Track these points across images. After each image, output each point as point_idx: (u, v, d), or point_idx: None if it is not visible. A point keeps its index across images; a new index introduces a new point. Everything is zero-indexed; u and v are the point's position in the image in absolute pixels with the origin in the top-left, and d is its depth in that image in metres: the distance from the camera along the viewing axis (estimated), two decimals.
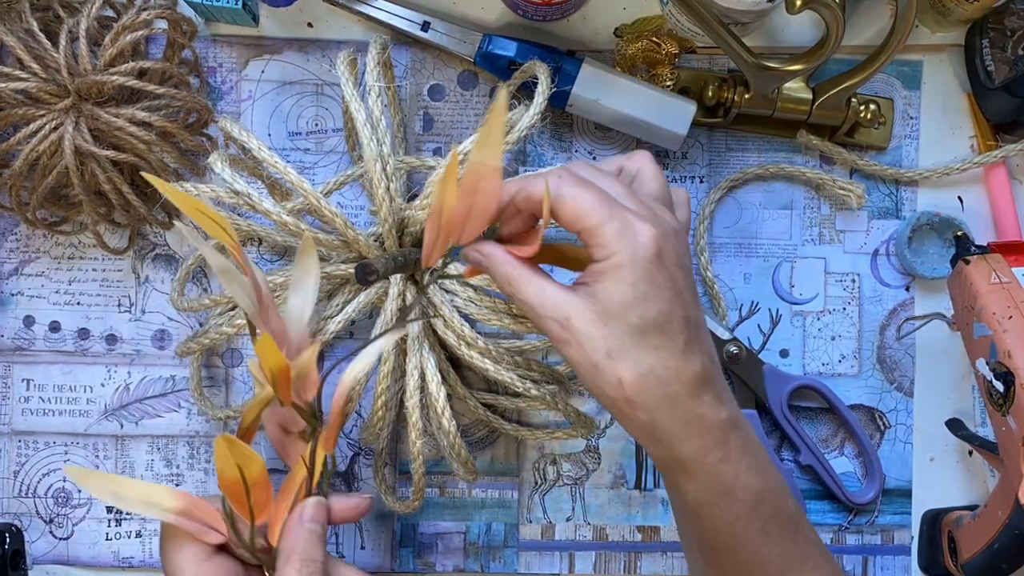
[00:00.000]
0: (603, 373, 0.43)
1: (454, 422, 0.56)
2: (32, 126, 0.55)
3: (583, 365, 0.43)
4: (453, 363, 0.60)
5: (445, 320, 0.56)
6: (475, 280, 0.56)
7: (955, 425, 0.60)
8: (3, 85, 0.54)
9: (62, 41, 0.54)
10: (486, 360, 0.56)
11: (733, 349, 0.63)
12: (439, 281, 0.57)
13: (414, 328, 0.56)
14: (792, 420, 0.63)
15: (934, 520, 0.63)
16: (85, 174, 0.56)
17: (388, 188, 0.54)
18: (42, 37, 0.55)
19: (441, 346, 0.58)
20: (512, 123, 0.56)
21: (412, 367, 0.56)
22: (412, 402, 0.55)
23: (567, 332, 0.43)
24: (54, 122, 0.55)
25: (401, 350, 0.57)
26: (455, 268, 0.51)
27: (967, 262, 0.56)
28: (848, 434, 0.64)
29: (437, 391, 0.55)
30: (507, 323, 0.54)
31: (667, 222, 0.45)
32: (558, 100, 0.60)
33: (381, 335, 0.49)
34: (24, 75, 0.55)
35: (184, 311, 0.63)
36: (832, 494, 0.63)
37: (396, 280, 0.57)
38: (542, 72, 0.58)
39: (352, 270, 0.57)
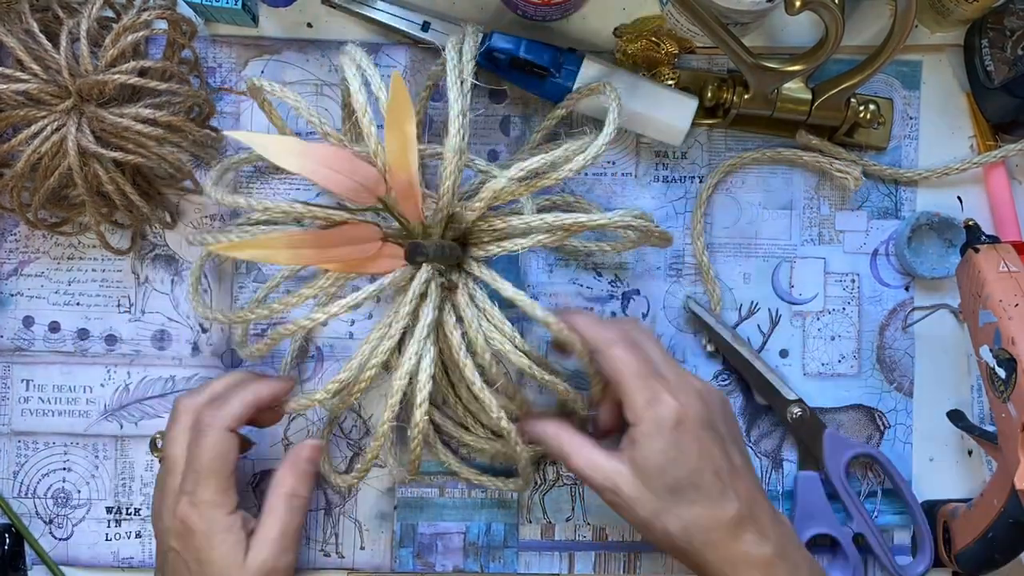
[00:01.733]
0: (653, 528, 0.51)
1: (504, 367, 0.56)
2: (34, 127, 0.55)
3: (636, 522, 0.51)
4: (445, 370, 0.60)
5: (470, 298, 0.56)
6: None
7: (956, 416, 0.61)
8: (4, 86, 0.54)
9: (62, 42, 0.54)
10: (505, 342, 0.55)
11: (796, 411, 0.63)
12: (474, 270, 0.57)
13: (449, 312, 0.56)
14: (848, 487, 0.62)
15: (930, 510, 0.63)
16: (88, 175, 0.56)
17: (455, 181, 0.55)
18: (42, 38, 0.55)
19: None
20: (581, 148, 0.55)
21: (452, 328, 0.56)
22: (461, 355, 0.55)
23: (618, 497, 0.51)
24: (56, 123, 0.55)
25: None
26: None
27: (976, 250, 0.57)
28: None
29: (504, 341, 0.55)
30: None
31: (694, 388, 0.52)
32: (557, 96, 0.60)
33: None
34: (25, 76, 0.54)
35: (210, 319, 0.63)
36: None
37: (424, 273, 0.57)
38: (612, 95, 0.57)
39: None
